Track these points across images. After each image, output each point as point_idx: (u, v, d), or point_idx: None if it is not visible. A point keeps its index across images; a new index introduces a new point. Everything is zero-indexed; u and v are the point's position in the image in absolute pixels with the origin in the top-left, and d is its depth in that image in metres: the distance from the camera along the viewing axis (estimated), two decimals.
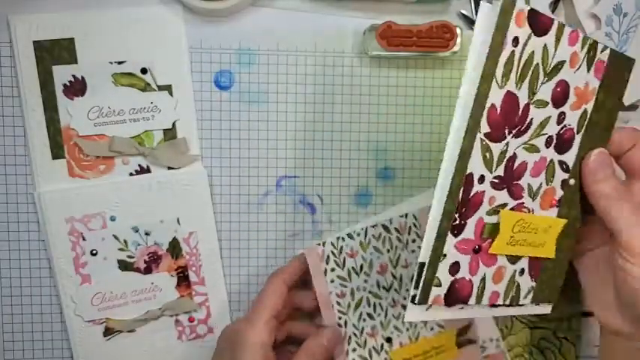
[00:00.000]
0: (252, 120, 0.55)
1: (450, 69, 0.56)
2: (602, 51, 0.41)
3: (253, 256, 0.56)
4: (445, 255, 0.37)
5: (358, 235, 0.55)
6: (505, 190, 0.39)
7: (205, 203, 0.54)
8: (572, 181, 0.42)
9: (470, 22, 0.56)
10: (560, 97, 0.39)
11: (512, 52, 0.36)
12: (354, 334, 0.55)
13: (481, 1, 0.36)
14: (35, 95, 0.51)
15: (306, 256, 0.53)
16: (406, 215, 0.55)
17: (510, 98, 0.37)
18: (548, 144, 0.40)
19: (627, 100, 0.57)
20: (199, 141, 0.54)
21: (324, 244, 0.54)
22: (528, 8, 0.36)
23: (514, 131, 0.38)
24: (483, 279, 0.40)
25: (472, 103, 0.36)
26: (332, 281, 0.54)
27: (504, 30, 0.35)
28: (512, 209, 0.39)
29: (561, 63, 0.39)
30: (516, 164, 0.39)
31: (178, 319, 0.55)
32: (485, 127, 0.36)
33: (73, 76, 0.52)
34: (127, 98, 0.52)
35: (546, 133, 0.39)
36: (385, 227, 0.55)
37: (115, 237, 0.53)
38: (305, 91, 0.55)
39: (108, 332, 0.54)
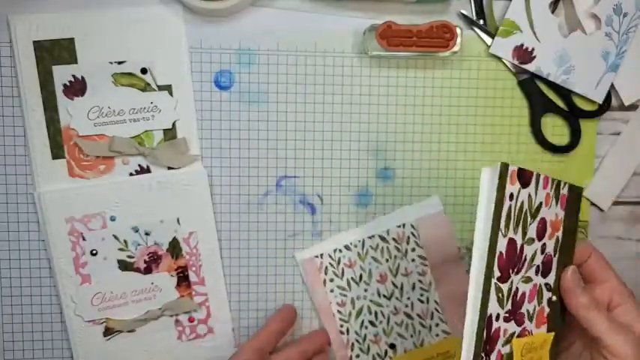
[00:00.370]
0: (252, 120, 0.55)
1: (450, 69, 0.56)
2: (563, 187, 0.48)
3: (253, 256, 0.56)
4: None
5: (355, 246, 0.55)
6: (512, 320, 0.45)
7: (205, 203, 0.54)
8: (554, 298, 0.48)
9: (470, 22, 0.56)
10: (541, 232, 0.46)
11: (510, 205, 0.43)
12: (357, 341, 0.55)
13: (483, 168, 0.41)
14: (35, 95, 0.51)
15: (304, 268, 0.55)
16: (404, 225, 0.56)
17: (511, 244, 0.43)
18: (537, 272, 0.46)
19: (627, 101, 0.57)
20: (199, 141, 0.54)
21: (321, 256, 0.55)
22: (517, 168, 0.42)
23: (515, 269, 0.44)
24: None
25: (487, 255, 0.41)
26: (332, 291, 0.55)
27: (503, 190, 0.41)
28: (518, 335, 0.45)
29: (540, 204, 0.46)
30: (518, 296, 0.45)
31: (178, 319, 0.55)
32: (497, 273, 0.42)
33: (73, 76, 0.52)
34: (127, 98, 0.52)
35: (535, 264, 0.46)
36: (382, 238, 0.55)
37: (115, 237, 0.53)
38: (305, 91, 0.55)
39: (108, 332, 0.54)
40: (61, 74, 0.52)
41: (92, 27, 0.51)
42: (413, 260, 0.56)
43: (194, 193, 0.54)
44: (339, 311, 0.55)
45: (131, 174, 0.53)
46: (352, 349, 0.55)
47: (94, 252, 0.53)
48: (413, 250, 0.56)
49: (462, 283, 0.56)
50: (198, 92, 0.54)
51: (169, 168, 0.53)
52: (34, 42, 0.51)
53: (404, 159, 0.57)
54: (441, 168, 0.57)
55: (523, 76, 0.56)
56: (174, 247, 0.54)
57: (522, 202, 0.44)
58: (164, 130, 0.53)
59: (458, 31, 0.53)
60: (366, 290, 0.55)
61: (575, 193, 0.49)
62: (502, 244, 0.42)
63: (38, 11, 0.51)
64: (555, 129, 0.58)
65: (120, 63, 0.52)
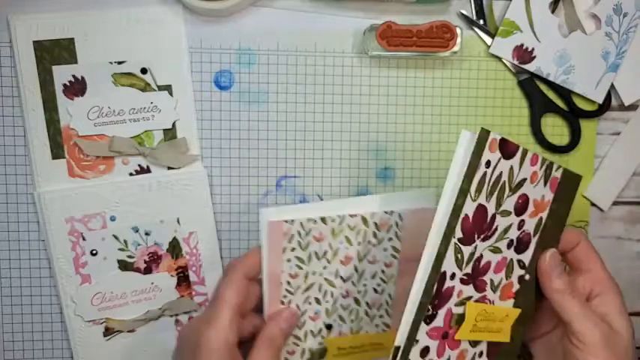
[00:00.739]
0: (252, 120, 0.55)
1: (450, 69, 0.56)
2: (556, 170, 0.48)
3: None
4: (417, 340, 0.44)
5: (333, 220, 0.50)
6: (471, 285, 0.46)
7: (205, 203, 0.54)
8: (527, 277, 0.48)
9: (470, 22, 0.56)
10: (520, 208, 0.47)
11: (485, 172, 0.43)
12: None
13: (463, 130, 0.42)
14: (35, 95, 0.51)
15: (268, 229, 0.49)
16: (391, 212, 0.51)
17: (481, 210, 0.44)
18: (509, 246, 0.47)
19: (627, 100, 0.57)
20: (199, 141, 0.54)
21: (292, 222, 0.49)
22: (500, 137, 0.43)
23: (482, 236, 0.45)
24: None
25: (449, 214, 0.42)
26: (288, 260, 0.50)
27: (479, 155, 0.42)
28: (476, 301, 0.46)
29: (523, 180, 0.46)
30: (482, 263, 0.46)
31: (178, 319, 0.55)
32: (458, 234, 0.43)
33: (73, 76, 0.52)
34: (127, 98, 0.52)
35: (508, 237, 0.47)
36: (364, 220, 0.51)
37: (115, 237, 0.53)
38: (305, 91, 0.55)
39: (108, 332, 0.54)
40: (61, 74, 0.52)
41: (92, 27, 0.51)
42: (385, 250, 0.52)
43: (194, 193, 0.54)
44: (288, 282, 0.50)
45: (131, 174, 0.53)
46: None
47: (94, 252, 0.53)
48: (390, 239, 0.52)
49: None
50: (198, 92, 0.54)
51: (169, 168, 0.53)
52: (34, 42, 0.51)
53: (404, 159, 0.57)
54: (441, 168, 0.57)
55: (523, 76, 0.56)
56: (174, 247, 0.54)
57: (501, 173, 0.44)
58: (164, 130, 0.53)
59: (458, 31, 0.53)
60: (324, 268, 0.51)
61: (573, 180, 0.49)
62: (470, 208, 0.43)
63: (38, 11, 0.51)
64: (555, 129, 0.58)
65: (120, 63, 0.52)
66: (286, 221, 0.49)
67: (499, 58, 0.56)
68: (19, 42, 0.51)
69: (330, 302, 0.52)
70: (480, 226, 0.44)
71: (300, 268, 0.50)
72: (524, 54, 0.55)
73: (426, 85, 0.56)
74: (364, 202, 0.51)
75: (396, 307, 0.54)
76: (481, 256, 0.45)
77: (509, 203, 0.46)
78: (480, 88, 0.57)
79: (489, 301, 0.47)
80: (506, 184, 0.45)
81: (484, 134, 0.42)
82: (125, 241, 0.53)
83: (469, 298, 0.45)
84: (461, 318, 0.45)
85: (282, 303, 0.50)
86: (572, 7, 0.56)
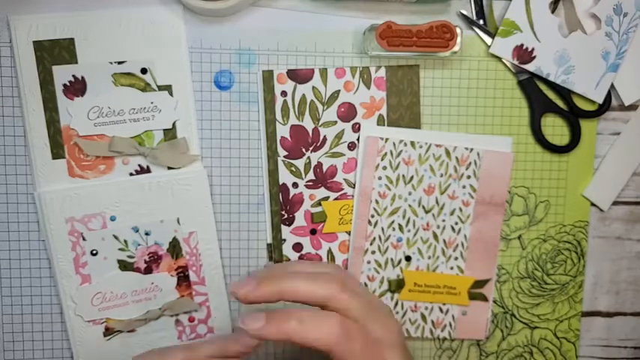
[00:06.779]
0: (252, 120, 0.55)
1: (450, 69, 0.56)
2: (376, 71, 0.54)
3: (253, 256, 0.56)
4: (285, 239, 0.55)
5: (421, 147, 0.55)
6: (322, 187, 0.54)
7: (205, 203, 0.54)
8: None
9: (470, 22, 0.56)
10: (345, 115, 0.54)
11: (284, 100, 0.53)
12: (379, 238, 0.55)
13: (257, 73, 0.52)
14: (35, 95, 0.51)
15: (365, 144, 0.54)
16: (471, 150, 0.55)
17: (296, 128, 0.53)
18: (350, 148, 0.54)
19: (627, 100, 0.57)
20: (199, 141, 0.54)
21: (386, 140, 0.54)
22: (286, 70, 0.53)
23: (311, 148, 0.54)
24: (330, 251, 0.55)
25: (265, 140, 0.54)
26: (379, 178, 0.54)
27: (271, 89, 0.53)
28: (336, 199, 0.55)
29: (336, 92, 0.54)
30: (325, 169, 0.54)
31: (178, 319, 0.55)
32: (282, 152, 0.54)
33: (73, 76, 0.52)
34: (127, 98, 0.52)
35: (346, 141, 0.54)
36: (447, 152, 0.55)
37: (115, 237, 0.53)
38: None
39: (108, 332, 0.54)
40: (61, 74, 0.52)
41: (92, 27, 0.51)
42: (464, 187, 0.55)
43: (194, 193, 0.54)
44: (376, 201, 0.54)
45: (131, 174, 0.53)
46: (371, 243, 0.55)
47: (94, 252, 0.53)
48: (468, 177, 0.55)
49: (495, 229, 0.56)
50: (198, 92, 0.54)
51: (169, 168, 0.53)
52: (34, 42, 0.51)
53: None
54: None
55: (523, 76, 0.56)
56: (175, 247, 0.54)
57: (303, 95, 0.53)
58: (164, 130, 0.53)
59: (458, 31, 0.53)
60: (410, 194, 0.55)
61: (407, 71, 0.54)
62: (284, 130, 0.53)
63: (38, 11, 0.51)
64: (555, 129, 0.58)
65: (120, 63, 0.52)
66: (381, 138, 0.54)
67: (499, 58, 0.56)
68: (19, 42, 0.51)
69: (412, 232, 0.55)
70: (303, 140, 0.53)
71: (389, 188, 0.55)
72: (524, 54, 0.55)
73: (426, 85, 0.56)
74: (449, 136, 0.56)
75: (469, 250, 0.56)
76: (319, 163, 0.54)
77: (330, 115, 0.54)
78: (480, 88, 0.57)
79: (351, 196, 0.55)
80: (316, 102, 0.53)
81: (267, 73, 0.53)
82: (125, 241, 0.53)
83: (326, 198, 0.54)
84: (321, 215, 0.54)
85: (370, 223, 0.55)
86: (572, 7, 0.56)
